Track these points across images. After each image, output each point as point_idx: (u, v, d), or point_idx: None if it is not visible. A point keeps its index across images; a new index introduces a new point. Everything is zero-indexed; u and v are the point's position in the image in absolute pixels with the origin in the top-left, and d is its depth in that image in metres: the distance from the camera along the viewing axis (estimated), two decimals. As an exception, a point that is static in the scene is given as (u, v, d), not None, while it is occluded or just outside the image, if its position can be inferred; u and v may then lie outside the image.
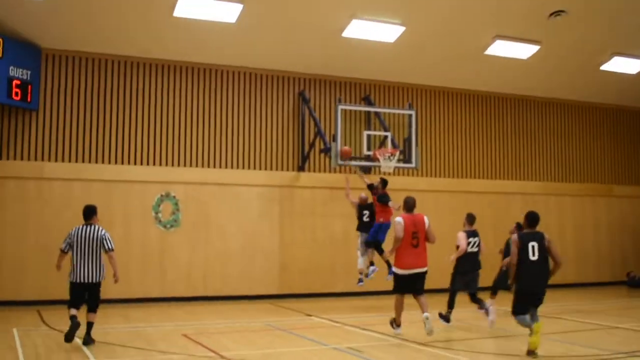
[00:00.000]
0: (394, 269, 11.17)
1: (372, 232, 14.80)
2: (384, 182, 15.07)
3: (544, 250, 9.53)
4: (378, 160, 15.86)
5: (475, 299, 12.24)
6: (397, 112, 17.61)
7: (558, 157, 21.29)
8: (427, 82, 19.30)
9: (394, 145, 16.47)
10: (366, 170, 17.49)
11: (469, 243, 12.29)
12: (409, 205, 11.24)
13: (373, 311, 14.31)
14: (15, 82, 14.87)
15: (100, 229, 10.32)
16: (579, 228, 21.05)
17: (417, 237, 10.87)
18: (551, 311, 14.41)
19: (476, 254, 12.49)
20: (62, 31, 15.44)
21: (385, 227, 14.57)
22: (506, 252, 13.54)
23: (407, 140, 16.58)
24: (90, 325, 10.17)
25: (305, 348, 10.12)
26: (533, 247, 9.49)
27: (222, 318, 13.58)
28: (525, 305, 9.51)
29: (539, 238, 9.61)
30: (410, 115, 16.64)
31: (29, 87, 15.20)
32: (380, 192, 14.94)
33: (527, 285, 9.48)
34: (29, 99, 15.18)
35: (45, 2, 14.31)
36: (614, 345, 10.25)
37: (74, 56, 16.09)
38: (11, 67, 14.83)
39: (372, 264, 15.07)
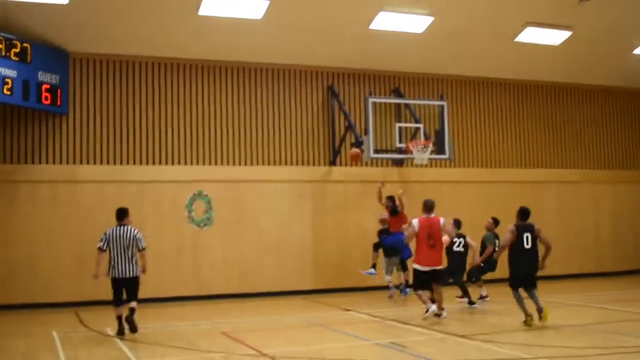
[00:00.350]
0: (415, 265, 12.08)
1: (407, 251, 14.99)
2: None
3: (535, 240, 11.37)
4: (411, 152, 15.74)
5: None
6: (428, 104, 17.41)
7: (593, 144, 20.91)
8: (457, 72, 19.05)
9: (426, 137, 16.30)
10: (399, 162, 17.36)
11: (454, 243, 13.52)
12: (427, 207, 12.16)
13: (411, 305, 14.09)
14: (44, 86, 14.89)
15: (133, 229, 11.20)
16: (616, 216, 20.64)
17: (432, 238, 11.85)
18: (592, 301, 14.20)
19: (462, 254, 13.70)
20: (88, 34, 15.44)
21: (401, 236, 14.57)
22: (482, 249, 14.20)
23: (439, 132, 16.40)
24: (132, 311, 11.03)
25: (347, 344, 9.98)
26: (527, 237, 11.29)
27: (259, 315, 13.48)
28: (519, 284, 11.35)
29: (531, 229, 11.40)
30: (442, 106, 16.47)
31: (58, 91, 15.22)
32: (392, 205, 15.48)
33: (523, 268, 11.29)
34: (58, 103, 15.20)
35: (70, 7, 14.30)
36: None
37: (101, 59, 16.09)
38: (40, 72, 14.85)
39: (373, 266, 15.52)
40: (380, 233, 15.63)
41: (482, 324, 11.50)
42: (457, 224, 13.69)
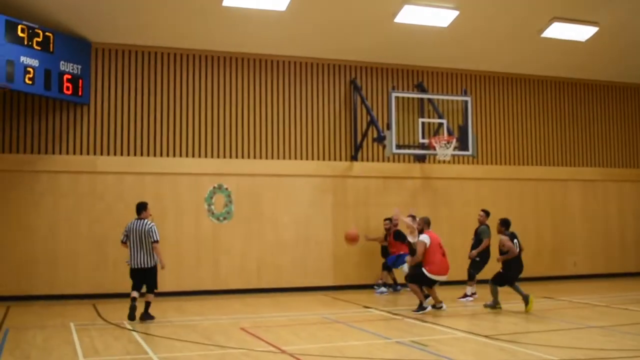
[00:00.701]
0: (429, 275, 12.56)
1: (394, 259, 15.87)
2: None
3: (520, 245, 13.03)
4: (434, 148, 15.57)
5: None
6: (452, 99, 17.18)
7: (617, 141, 20.56)
8: (481, 68, 18.78)
9: (449, 133, 16.09)
10: (421, 158, 17.17)
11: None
12: (429, 222, 13.07)
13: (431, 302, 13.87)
14: (66, 76, 14.81)
15: (148, 222, 11.86)
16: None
17: (442, 247, 12.78)
18: (616, 301, 13.93)
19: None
20: (111, 25, 15.35)
21: (404, 256, 15.12)
22: (475, 243, 14.60)
23: (463, 127, 16.19)
24: (147, 304, 11.77)
25: (367, 342, 9.80)
26: (516, 243, 12.87)
27: (278, 310, 13.35)
28: (507, 282, 12.82)
29: (516, 236, 13.02)
30: (465, 102, 16.26)
31: (80, 81, 15.14)
32: (396, 230, 15.85)
33: (516, 270, 12.85)
34: (80, 93, 15.13)
35: (94, -5, 14.24)
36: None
37: (123, 49, 16.01)
38: (62, 62, 14.76)
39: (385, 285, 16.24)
40: (385, 251, 16.30)
41: (504, 324, 11.26)
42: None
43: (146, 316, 11.69)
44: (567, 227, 19.15)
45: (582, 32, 17.68)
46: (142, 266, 11.75)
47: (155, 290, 11.97)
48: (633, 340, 9.72)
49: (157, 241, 11.75)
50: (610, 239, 19.54)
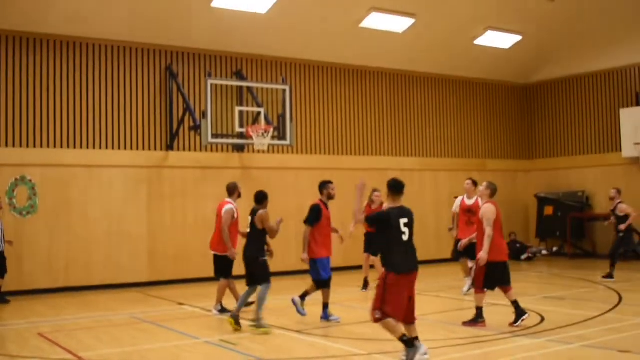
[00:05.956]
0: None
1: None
2: None
3: None
4: (251, 137, 15.21)
5: None
6: (270, 87, 16.91)
7: (433, 132, 21.19)
8: (301, 56, 18.62)
9: (267, 122, 15.82)
10: (240, 148, 16.79)
11: None
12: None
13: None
14: None
15: None
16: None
17: None
18: (429, 289, 14.15)
19: None
20: None
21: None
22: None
23: (282, 117, 15.96)
24: None
25: (174, 343, 9.29)
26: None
27: (84, 312, 12.46)
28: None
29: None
30: (284, 91, 16.04)
31: None
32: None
33: None
34: None
35: None
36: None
37: None
38: None
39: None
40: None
41: (315, 317, 10.99)
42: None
43: None
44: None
45: (399, 24, 17.98)
46: None
47: None
48: (444, 330, 9.85)
49: None
50: (427, 227, 20.03)
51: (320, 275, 10.53)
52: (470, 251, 12.35)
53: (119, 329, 10.56)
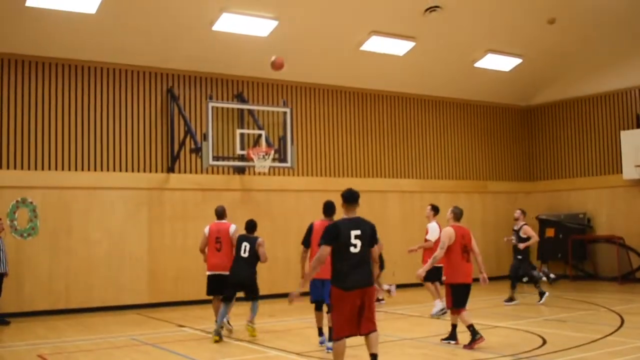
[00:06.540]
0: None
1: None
2: None
3: None
4: (252, 160, 15.24)
5: None
6: (271, 110, 16.97)
7: (433, 154, 21.24)
8: (302, 79, 18.70)
9: (268, 144, 15.85)
10: (241, 170, 16.82)
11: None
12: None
13: (245, 319, 13.39)
14: None
15: None
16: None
17: None
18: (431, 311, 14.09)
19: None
20: None
21: None
22: None
23: (282, 139, 16.00)
24: None
25: (174, 365, 9.27)
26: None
27: (84, 334, 12.41)
28: None
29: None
30: (285, 113, 16.10)
31: None
32: None
33: None
34: None
35: None
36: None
37: None
38: None
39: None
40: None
41: (316, 339, 10.95)
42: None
43: None
44: (386, 237, 19.39)
45: (399, 47, 18.07)
46: None
47: None
48: (445, 352, 9.81)
49: None
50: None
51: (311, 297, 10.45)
52: (435, 274, 13.25)
53: (119, 351, 10.53)
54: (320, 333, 10.45)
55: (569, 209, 21.75)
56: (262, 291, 12.41)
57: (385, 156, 20.18)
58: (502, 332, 11.33)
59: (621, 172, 20.17)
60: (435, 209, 14.39)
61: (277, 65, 13.40)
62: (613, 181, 20.66)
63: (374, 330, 7.53)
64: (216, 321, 11.31)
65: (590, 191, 21.35)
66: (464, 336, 10.31)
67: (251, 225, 11.70)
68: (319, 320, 10.47)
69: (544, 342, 10.26)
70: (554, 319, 12.89)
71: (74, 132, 15.77)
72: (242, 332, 11.82)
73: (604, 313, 13.59)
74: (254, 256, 11.39)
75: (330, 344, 9.88)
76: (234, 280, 11.31)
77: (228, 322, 11.89)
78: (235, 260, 11.46)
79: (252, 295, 11.49)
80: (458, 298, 10.30)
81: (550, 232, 21.52)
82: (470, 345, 9.97)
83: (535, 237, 15.54)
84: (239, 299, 11.74)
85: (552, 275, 20.12)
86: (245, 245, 11.38)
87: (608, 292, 16.24)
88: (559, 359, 9.04)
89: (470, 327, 10.05)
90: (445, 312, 13.14)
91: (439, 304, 13.56)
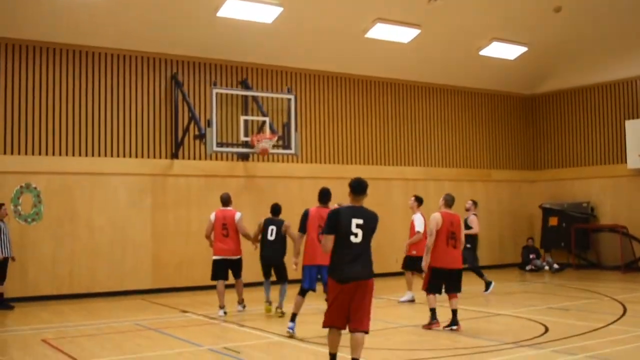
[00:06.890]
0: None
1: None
2: None
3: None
4: (255, 146, 15.23)
5: None
6: (275, 97, 16.96)
7: (438, 142, 21.22)
8: (306, 66, 18.67)
9: (272, 131, 15.84)
10: (244, 157, 16.81)
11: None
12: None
13: (250, 305, 13.44)
14: None
15: None
16: (459, 213, 20.91)
17: None
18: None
19: None
20: None
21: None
22: None
23: (287, 126, 15.99)
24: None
25: (177, 350, 9.29)
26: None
27: (88, 318, 12.47)
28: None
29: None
30: (289, 100, 16.07)
31: None
32: None
33: None
34: None
35: None
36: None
37: None
38: None
39: None
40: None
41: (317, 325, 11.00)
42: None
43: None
44: (390, 225, 19.43)
45: (404, 34, 18.00)
46: None
47: None
48: (447, 339, 9.83)
49: None
50: (430, 236, 20.03)
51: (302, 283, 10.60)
52: (413, 264, 13.45)
53: (123, 336, 10.57)
54: (293, 319, 10.26)
55: (573, 198, 21.74)
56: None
57: (390, 144, 20.16)
58: (504, 320, 11.36)
59: (625, 162, 20.15)
60: (419, 200, 14.32)
61: (261, 152, 15.12)
62: (617, 170, 20.64)
63: (362, 330, 7.18)
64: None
65: (594, 180, 21.33)
66: (468, 322, 10.33)
67: (276, 209, 12.49)
68: (298, 307, 10.35)
69: (546, 330, 10.28)
70: (557, 307, 12.91)
71: (78, 117, 15.77)
72: (245, 316, 11.88)
73: (607, 302, 13.61)
74: (282, 238, 12.17)
75: (291, 324, 10.15)
76: (266, 263, 12.28)
77: (242, 305, 12.84)
78: (263, 244, 12.29)
79: (280, 277, 12.19)
80: (433, 283, 10.60)
81: (553, 221, 21.52)
82: (428, 325, 10.54)
83: (476, 229, 15.23)
84: (251, 285, 11.95)
85: (555, 266, 20.15)
86: (272, 229, 12.17)
87: (611, 281, 16.24)
88: (561, 346, 9.05)
89: (432, 310, 10.59)
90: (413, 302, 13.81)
91: (409, 294, 14.03)
